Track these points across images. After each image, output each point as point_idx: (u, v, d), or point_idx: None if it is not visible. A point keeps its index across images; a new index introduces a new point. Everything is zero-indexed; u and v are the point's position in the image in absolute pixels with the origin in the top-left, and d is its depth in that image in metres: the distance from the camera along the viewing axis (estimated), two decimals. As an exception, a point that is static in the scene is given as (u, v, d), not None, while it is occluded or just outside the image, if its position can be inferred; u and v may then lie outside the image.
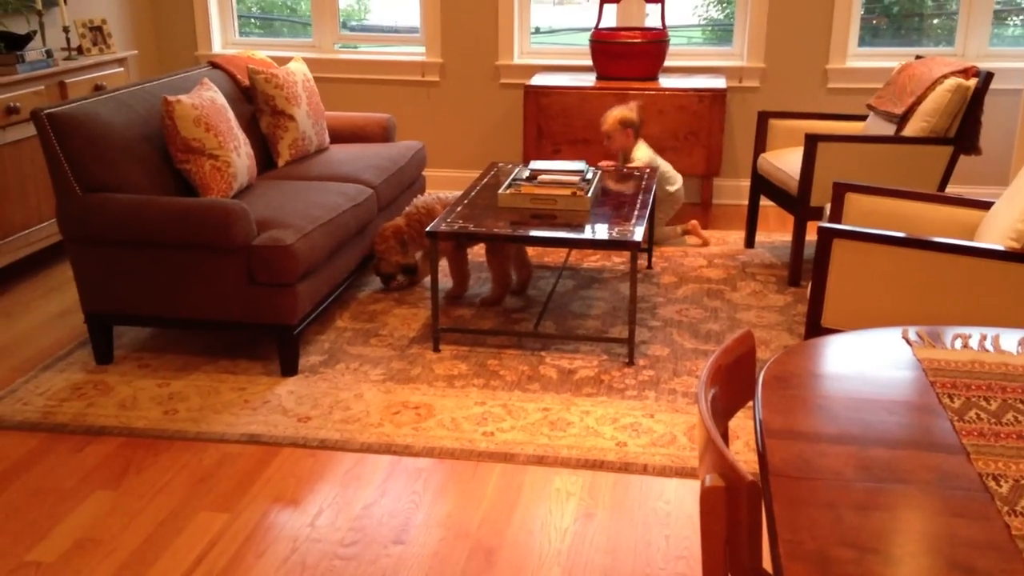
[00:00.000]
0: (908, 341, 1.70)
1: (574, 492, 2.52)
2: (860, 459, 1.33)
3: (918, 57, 4.16)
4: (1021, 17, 5.35)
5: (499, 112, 5.33)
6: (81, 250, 3.16)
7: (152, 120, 3.39)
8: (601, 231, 3.32)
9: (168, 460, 2.68)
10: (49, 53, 4.18)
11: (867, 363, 1.64)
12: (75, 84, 4.25)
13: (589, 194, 3.48)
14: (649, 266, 4.19)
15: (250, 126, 3.99)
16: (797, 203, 3.83)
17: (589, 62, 5.05)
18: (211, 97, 3.51)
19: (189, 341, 3.42)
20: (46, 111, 3.10)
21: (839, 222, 2.96)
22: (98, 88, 4.32)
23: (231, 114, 3.60)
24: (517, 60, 5.28)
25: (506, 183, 3.63)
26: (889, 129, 3.90)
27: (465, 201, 3.62)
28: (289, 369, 3.18)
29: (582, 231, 3.31)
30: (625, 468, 2.63)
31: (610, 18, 5.14)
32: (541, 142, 4.82)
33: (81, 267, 3.18)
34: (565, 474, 2.60)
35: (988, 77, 3.66)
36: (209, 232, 3.04)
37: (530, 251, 4.35)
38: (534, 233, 3.30)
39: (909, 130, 3.76)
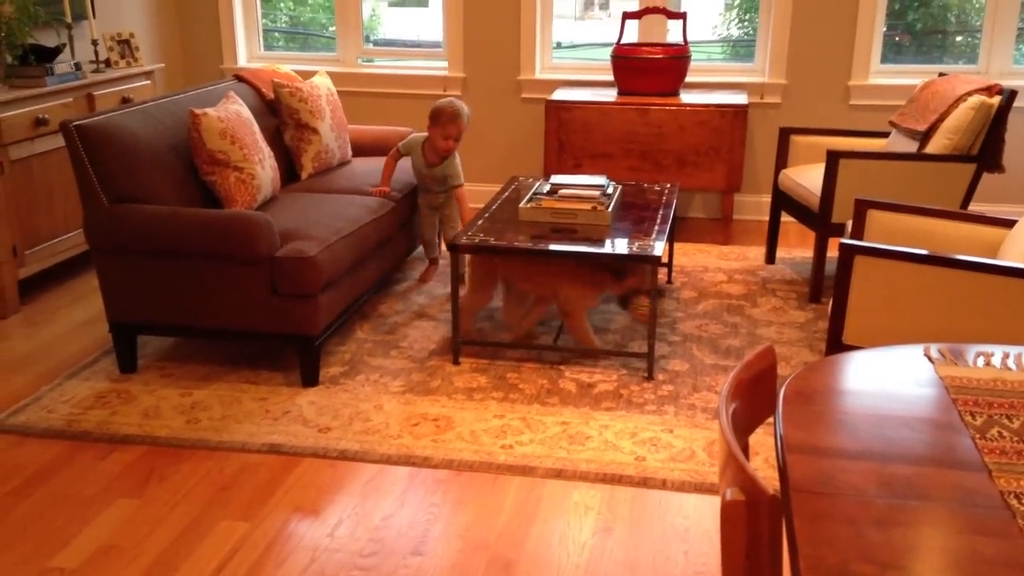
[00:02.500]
0: (930, 358, 1.69)
1: (592, 506, 2.52)
2: (881, 475, 1.33)
3: (941, 74, 4.15)
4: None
5: (520, 126, 5.36)
6: (107, 260, 3.21)
7: (178, 132, 3.44)
8: (621, 246, 3.32)
9: (190, 469, 2.71)
10: (78, 66, 4.24)
11: (889, 380, 1.64)
12: (103, 96, 4.31)
13: (610, 208, 3.49)
14: (669, 280, 4.19)
15: (274, 139, 4.03)
16: (818, 219, 3.82)
17: (610, 77, 5.06)
18: (236, 110, 3.55)
19: (211, 351, 3.45)
20: (75, 123, 3.15)
21: (861, 239, 2.96)
22: (125, 101, 4.38)
23: (256, 127, 3.64)
24: (539, 75, 5.31)
25: (527, 197, 3.64)
26: (912, 146, 3.89)
27: (486, 215, 3.64)
28: (310, 380, 3.20)
29: (602, 245, 3.32)
30: (644, 483, 2.62)
31: (632, 34, 5.16)
32: (562, 156, 4.83)
33: (107, 277, 3.23)
34: (584, 488, 2.60)
35: (1012, 95, 3.64)
36: (233, 243, 3.08)
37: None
38: (554, 247, 3.31)
39: (932, 147, 3.75)
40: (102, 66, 4.51)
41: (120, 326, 3.26)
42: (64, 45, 4.29)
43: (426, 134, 4.04)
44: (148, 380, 3.24)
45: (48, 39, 4.24)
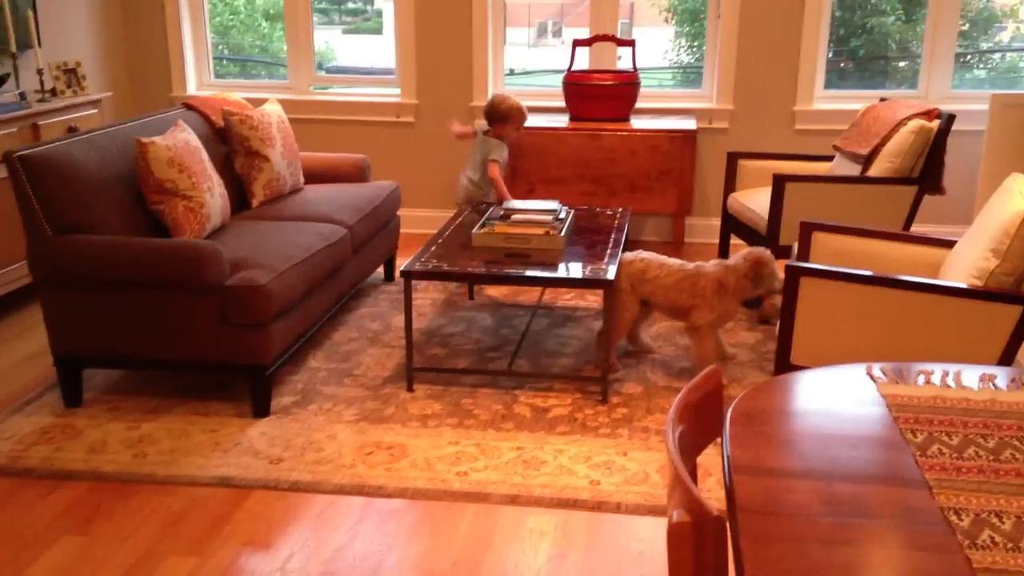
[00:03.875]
0: (872, 377, 1.72)
1: (548, 531, 2.51)
2: (826, 494, 1.34)
3: (882, 99, 4.26)
4: (982, 60, 5.49)
5: (473, 153, 5.37)
6: (52, 292, 3.15)
7: (125, 161, 3.39)
8: (575, 270, 3.35)
9: (137, 504, 2.65)
10: (23, 95, 4.18)
11: (833, 399, 1.67)
12: (48, 126, 4.25)
13: (562, 233, 3.51)
14: (622, 304, 4.21)
15: (224, 167, 4.00)
16: (766, 242, 3.88)
17: (562, 103, 5.11)
18: (185, 138, 3.52)
19: (160, 383, 3.39)
20: (18, 153, 3.10)
21: (807, 260, 3.01)
22: (72, 130, 4.32)
23: (205, 155, 3.61)
24: (491, 102, 5.34)
25: (480, 222, 3.65)
26: (855, 169, 3.98)
27: (440, 240, 3.64)
28: (261, 410, 3.16)
29: (556, 270, 3.34)
30: (599, 507, 2.62)
31: (583, 60, 5.22)
32: (515, 181, 4.86)
33: (51, 309, 3.16)
34: (539, 513, 2.60)
35: (950, 119, 3.75)
36: (182, 272, 3.04)
37: (503, 290, 4.38)
38: (508, 272, 3.32)
39: (874, 170, 3.84)
40: (48, 95, 4.45)
41: (65, 359, 3.19)
42: (8, 74, 4.22)
43: (496, 139, 4.44)
44: (94, 414, 3.18)
45: (-9, 68, 4.18)
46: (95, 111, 4.64)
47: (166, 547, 2.44)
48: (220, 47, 5.83)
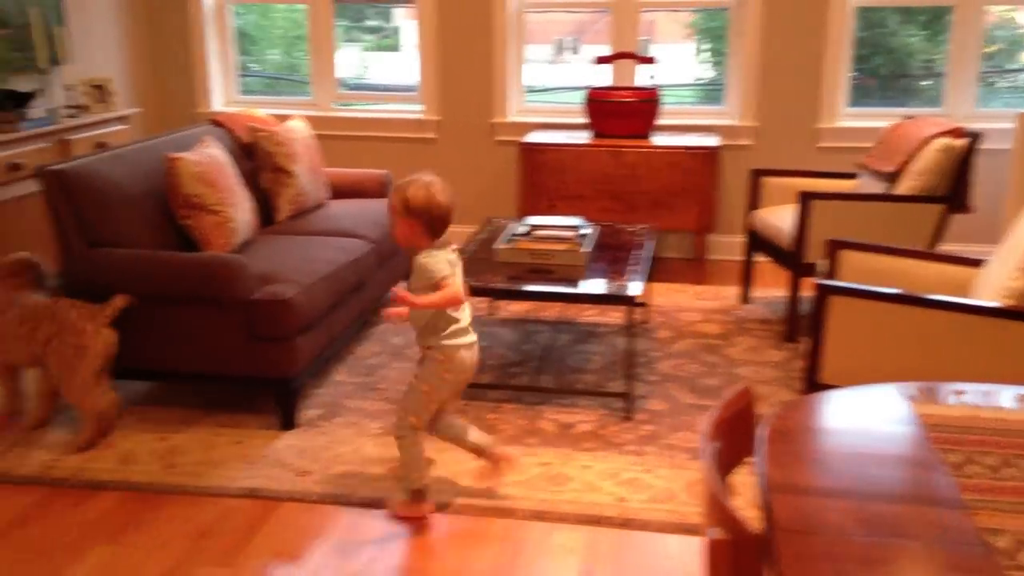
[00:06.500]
0: (906, 397, 1.72)
1: (575, 548, 2.52)
2: (862, 514, 1.35)
3: (908, 117, 4.26)
4: (1007, 79, 5.48)
5: (495, 168, 5.41)
6: (83, 304, 3.18)
7: (154, 176, 3.44)
8: (597, 285, 3.36)
9: (168, 515, 2.67)
10: (52, 111, 4.24)
11: (867, 418, 1.67)
12: (78, 142, 4.31)
13: (585, 249, 3.52)
14: (645, 321, 4.22)
15: (251, 182, 4.03)
16: (791, 259, 3.88)
17: (583, 120, 5.14)
18: (212, 154, 3.57)
19: (189, 395, 3.43)
20: (51, 168, 3.15)
21: (834, 279, 3.01)
22: (101, 146, 4.38)
23: (232, 170, 3.65)
24: (512, 118, 5.38)
25: (503, 238, 3.67)
26: (880, 187, 3.97)
27: (463, 255, 3.66)
28: (288, 423, 3.18)
29: (578, 286, 3.35)
30: (626, 524, 2.62)
31: (605, 77, 5.25)
32: (536, 198, 4.89)
33: (82, 321, 3.20)
34: (565, 530, 2.60)
35: (976, 138, 3.74)
36: (210, 286, 3.07)
37: (525, 305, 4.39)
38: (531, 287, 3.33)
39: (901, 188, 3.83)
40: (77, 111, 4.51)
41: (95, 371, 3.23)
42: (39, 90, 4.29)
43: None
44: (125, 425, 3.21)
45: (23, 84, 4.25)
46: (124, 127, 4.70)
47: (196, 558, 2.46)
48: (248, 64, 5.89)
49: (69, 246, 3.16)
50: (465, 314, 2.62)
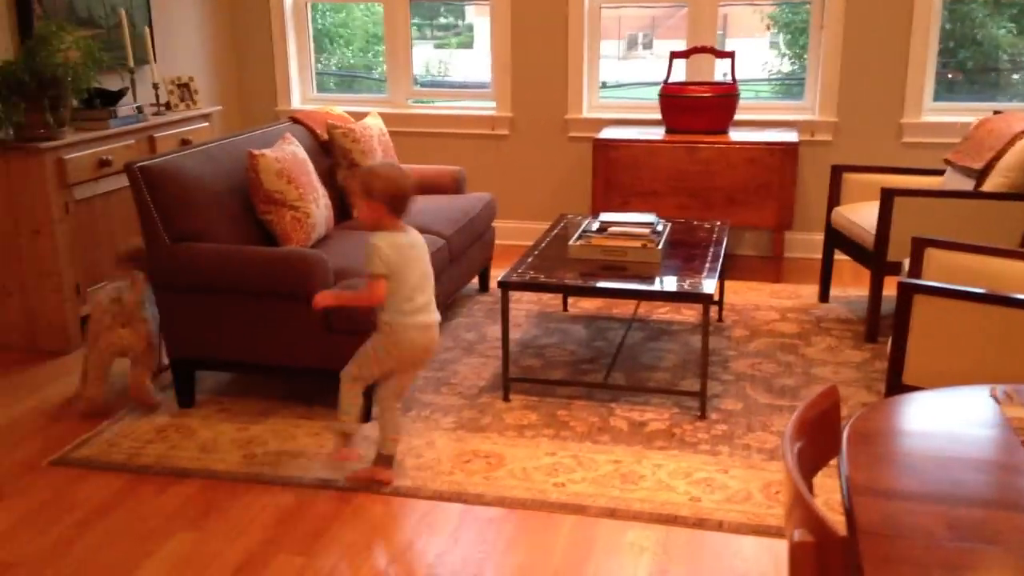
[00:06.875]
0: (995, 399, 1.67)
1: (647, 547, 2.50)
2: (949, 518, 1.31)
3: (996, 112, 4.11)
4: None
5: (567, 165, 5.40)
6: (168, 297, 3.28)
7: (236, 173, 3.52)
8: (671, 283, 3.33)
9: (247, 502, 2.74)
10: (140, 109, 4.37)
11: (953, 421, 1.62)
12: (163, 139, 4.43)
13: (659, 246, 3.49)
14: (720, 319, 4.16)
15: (328, 178, 4.11)
16: (873, 258, 3.79)
17: (657, 116, 5.09)
18: (292, 151, 3.64)
19: (267, 386, 3.50)
20: (139, 164, 3.25)
21: (919, 277, 2.92)
22: (185, 142, 4.50)
23: (311, 167, 3.72)
24: (586, 114, 5.36)
25: (576, 234, 3.66)
26: (967, 184, 3.85)
27: (536, 252, 3.67)
28: (362, 416, 3.22)
29: (652, 283, 3.32)
30: (700, 524, 2.60)
31: (679, 72, 5.19)
32: (609, 194, 4.86)
33: (167, 314, 3.30)
34: (638, 528, 2.58)
35: (1069, 132, 3.59)
36: (289, 280, 3.13)
37: (597, 302, 4.38)
38: (604, 284, 3.32)
39: (988, 185, 3.71)
40: (163, 109, 4.65)
41: (179, 362, 3.33)
42: (127, 89, 4.43)
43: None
44: (206, 415, 3.30)
45: (112, 83, 4.39)
46: (206, 124, 4.82)
47: (274, 546, 2.52)
48: (325, 62, 5.99)
49: (155, 240, 3.25)
50: (423, 296, 2.75)
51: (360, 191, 2.74)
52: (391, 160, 2.91)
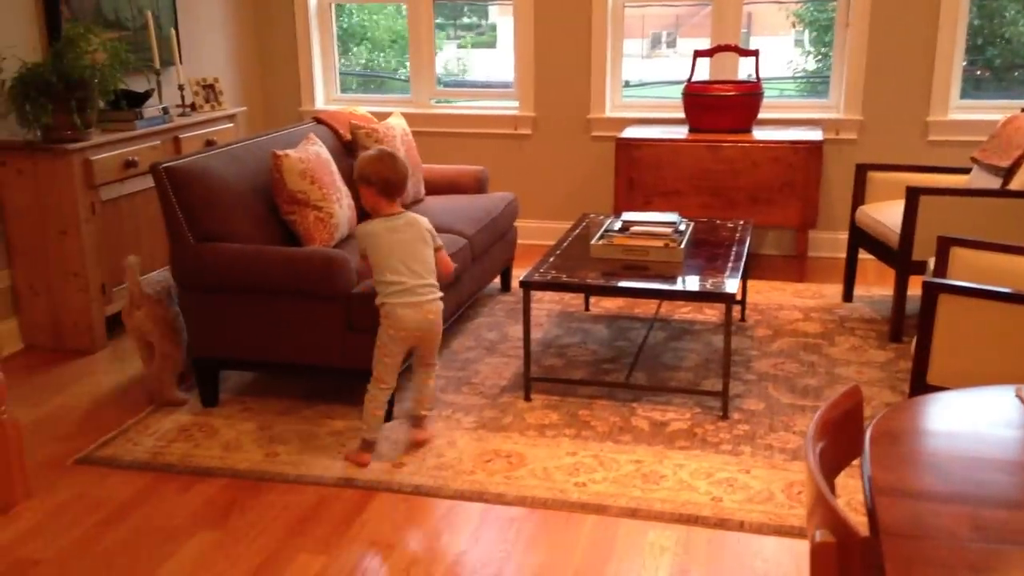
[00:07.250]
0: (1021, 399, 1.65)
1: (668, 547, 2.49)
2: (974, 519, 1.29)
3: (1023, 110, 4.06)
4: None
5: (590, 164, 5.39)
6: (192, 296, 3.31)
7: (260, 173, 3.54)
8: (694, 283, 3.31)
9: (269, 502, 2.75)
10: (165, 110, 4.41)
11: (979, 421, 1.60)
12: (188, 139, 4.47)
13: (682, 245, 3.48)
14: (743, 318, 4.14)
15: (351, 179, 4.11)
16: (898, 257, 3.75)
17: (680, 114, 5.07)
18: (316, 151, 3.65)
19: (289, 386, 3.52)
20: (164, 165, 3.27)
21: (944, 277, 2.89)
22: (210, 143, 4.53)
23: (334, 167, 3.74)
24: (609, 113, 5.34)
25: (598, 234, 3.65)
26: (994, 183, 3.80)
27: (558, 252, 3.66)
28: (384, 415, 3.23)
29: (675, 282, 3.31)
30: (721, 524, 2.58)
31: (703, 71, 5.17)
32: (632, 194, 4.84)
33: (191, 313, 3.33)
34: (659, 528, 2.57)
35: (1100, 129, 3.54)
36: (312, 280, 3.15)
37: (618, 301, 4.36)
38: (626, 284, 3.31)
39: (1016, 184, 3.66)
40: (188, 110, 4.69)
41: (203, 361, 3.35)
42: (153, 90, 4.47)
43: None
44: (229, 414, 3.32)
45: (138, 84, 4.43)
46: (231, 125, 4.86)
47: (295, 544, 2.53)
48: (348, 62, 6.02)
49: (180, 239, 3.28)
50: (409, 275, 2.87)
51: (356, 178, 2.96)
52: (392, 149, 3.16)
